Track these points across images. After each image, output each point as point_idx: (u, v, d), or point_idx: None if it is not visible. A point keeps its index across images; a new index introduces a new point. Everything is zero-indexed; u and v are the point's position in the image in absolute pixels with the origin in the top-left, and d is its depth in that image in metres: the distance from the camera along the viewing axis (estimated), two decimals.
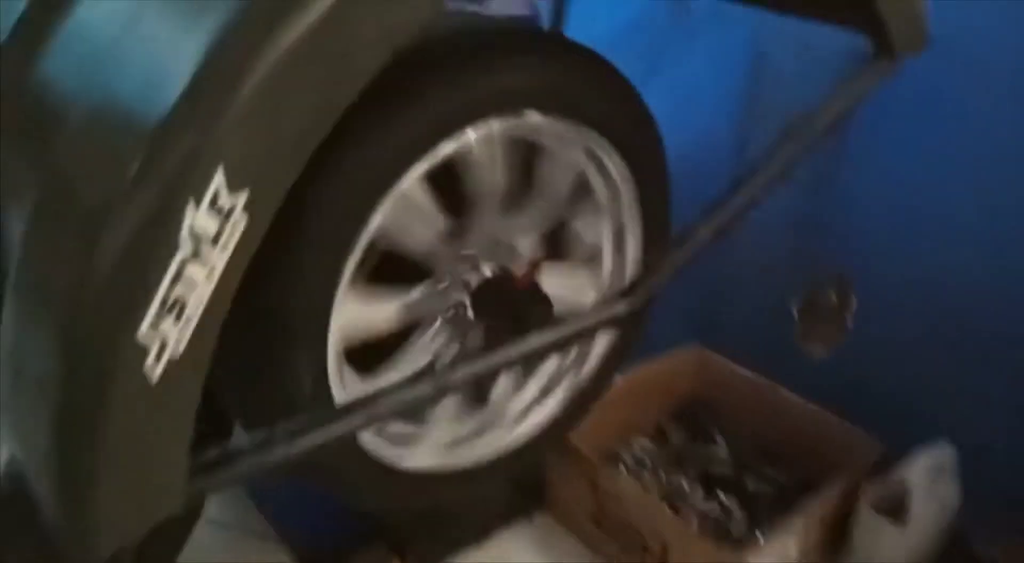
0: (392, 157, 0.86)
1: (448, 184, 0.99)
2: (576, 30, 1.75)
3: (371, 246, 0.92)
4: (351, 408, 0.87)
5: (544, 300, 1.08)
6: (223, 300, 0.57)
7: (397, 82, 0.87)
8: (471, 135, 0.92)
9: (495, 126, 0.95)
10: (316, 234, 0.86)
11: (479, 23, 1.21)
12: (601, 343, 1.24)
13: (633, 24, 1.80)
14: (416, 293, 1.03)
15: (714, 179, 1.75)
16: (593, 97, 1.05)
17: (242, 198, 0.54)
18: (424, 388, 0.85)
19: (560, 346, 0.94)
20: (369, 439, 1.02)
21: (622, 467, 1.74)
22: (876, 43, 1.04)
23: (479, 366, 0.83)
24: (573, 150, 1.08)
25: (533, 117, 0.99)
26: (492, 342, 1.02)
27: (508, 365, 0.86)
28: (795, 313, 1.51)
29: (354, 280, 0.91)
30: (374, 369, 1.02)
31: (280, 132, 0.54)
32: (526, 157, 1.09)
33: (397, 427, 1.05)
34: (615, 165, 1.12)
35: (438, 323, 1.08)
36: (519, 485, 1.67)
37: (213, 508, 1.60)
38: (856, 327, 1.56)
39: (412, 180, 0.89)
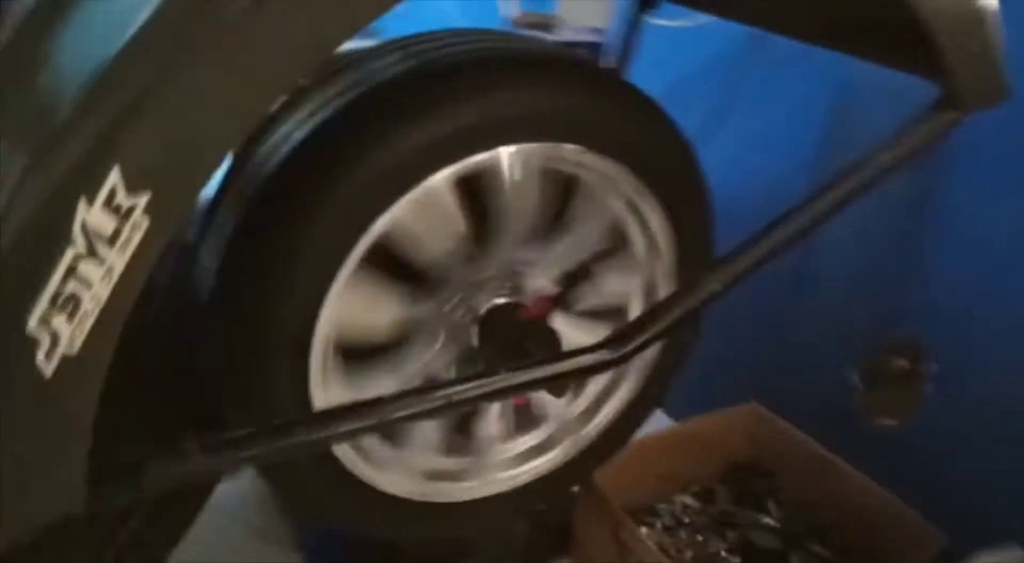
0: (404, 162, 0.84)
1: (476, 209, 0.97)
2: (648, 65, 1.71)
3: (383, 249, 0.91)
4: (321, 419, 0.85)
5: (550, 336, 1.03)
6: (123, 301, 0.56)
7: (427, 88, 0.88)
8: (501, 154, 0.89)
9: (525, 151, 0.92)
10: (308, 241, 0.85)
11: (531, 47, 1.18)
12: (615, 400, 1.18)
13: (709, 64, 1.72)
14: (419, 308, 1.00)
15: None
16: (638, 142, 1.00)
17: (143, 200, 0.53)
18: (388, 411, 0.81)
19: (536, 388, 0.89)
20: (345, 453, 0.99)
21: (659, 524, 1.65)
22: (943, 91, 0.94)
23: (434, 400, 0.78)
24: (612, 196, 1.03)
25: (568, 148, 0.95)
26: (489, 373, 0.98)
27: (478, 400, 0.81)
28: (856, 379, 1.38)
29: (358, 281, 0.90)
30: (364, 368, 1.00)
31: (186, 137, 0.53)
32: (564, 194, 1.05)
33: (375, 445, 1.02)
34: (657, 222, 1.07)
35: (439, 342, 1.04)
36: (544, 527, 1.61)
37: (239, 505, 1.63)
38: (929, 408, 1.41)
39: (435, 186, 0.87)
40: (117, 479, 0.64)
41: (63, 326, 0.54)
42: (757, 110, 1.64)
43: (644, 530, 1.62)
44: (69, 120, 0.50)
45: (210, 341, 0.92)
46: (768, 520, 1.66)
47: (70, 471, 0.60)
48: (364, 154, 0.84)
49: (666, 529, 1.63)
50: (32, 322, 0.53)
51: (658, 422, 2.10)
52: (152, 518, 1.20)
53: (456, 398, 0.80)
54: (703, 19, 1.54)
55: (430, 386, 0.83)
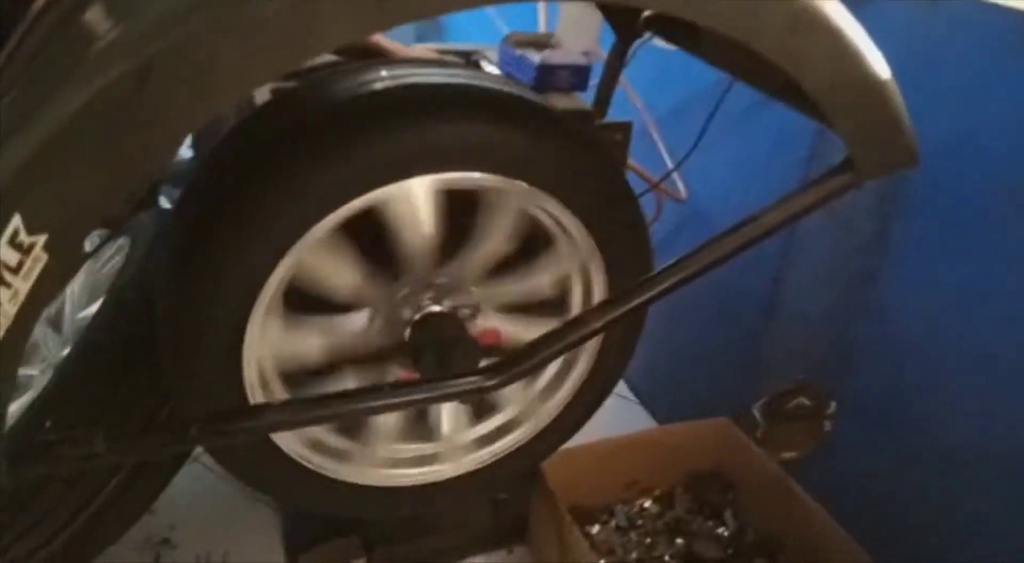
0: (300, 207, 0.91)
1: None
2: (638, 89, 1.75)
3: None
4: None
5: (471, 348, 1.11)
6: (28, 319, 0.68)
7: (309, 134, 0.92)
8: (389, 190, 0.95)
9: (416, 184, 0.97)
10: (226, 269, 0.93)
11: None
12: (571, 380, 1.26)
13: (694, 93, 1.76)
14: (344, 329, 1.09)
15: (764, 261, 1.70)
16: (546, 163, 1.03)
17: (41, 239, 0.65)
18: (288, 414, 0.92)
19: (415, 405, 0.99)
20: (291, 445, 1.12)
21: (613, 523, 1.73)
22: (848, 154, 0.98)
23: (319, 409, 0.89)
24: (520, 205, 1.08)
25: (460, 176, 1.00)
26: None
27: (361, 414, 0.92)
28: (759, 416, 1.43)
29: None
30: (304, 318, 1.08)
31: (75, 190, 0.65)
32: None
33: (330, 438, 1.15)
34: (574, 227, 1.11)
35: (377, 325, 1.12)
36: (504, 515, 1.71)
37: None
38: (890, 448, 1.45)
39: (325, 230, 0.94)
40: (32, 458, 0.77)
41: None
42: (742, 134, 1.69)
43: (596, 528, 1.71)
44: None
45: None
46: (722, 530, 1.73)
47: None
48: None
49: (618, 529, 1.72)
50: None
51: (645, 424, 2.19)
52: (128, 483, 1.37)
53: (336, 411, 0.91)
54: None
55: (315, 397, 0.94)
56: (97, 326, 1.24)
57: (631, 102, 1.82)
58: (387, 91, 0.96)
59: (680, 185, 1.89)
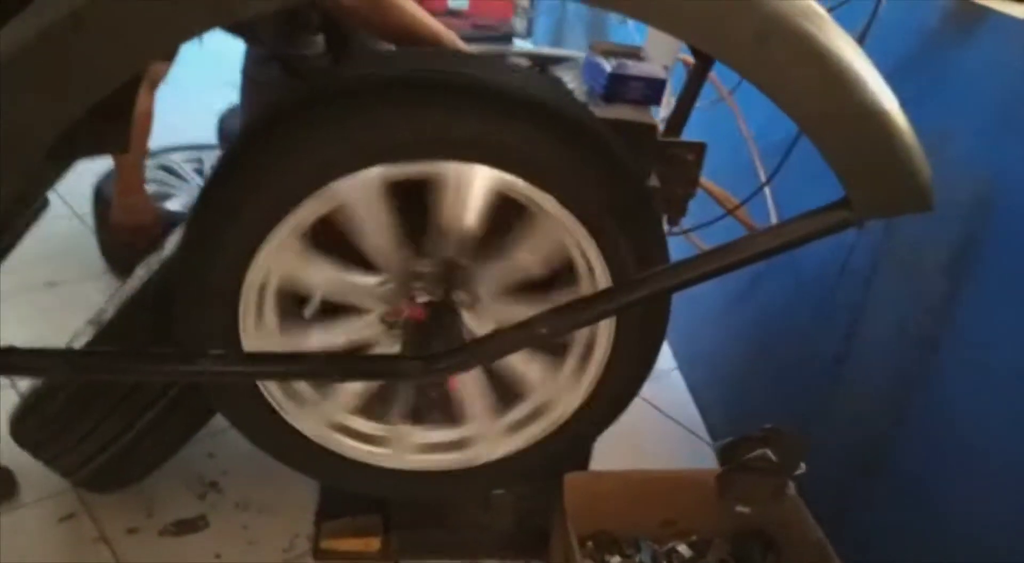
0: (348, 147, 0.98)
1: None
2: None
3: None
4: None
5: (454, 341, 1.10)
6: None
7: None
8: (446, 167, 1.00)
9: (477, 170, 1.01)
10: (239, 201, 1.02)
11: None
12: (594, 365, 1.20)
13: None
14: (355, 278, 1.12)
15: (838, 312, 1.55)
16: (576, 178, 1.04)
17: None
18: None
19: (348, 378, 1.02)
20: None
21: (637, 558, 1.66)
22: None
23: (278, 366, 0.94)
24: (560, 232, 1.08)
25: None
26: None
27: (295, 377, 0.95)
28: (716, 453, 1.30)
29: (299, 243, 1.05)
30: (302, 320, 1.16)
31: (18, 115, 0.74)
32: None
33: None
34: (597, 263, 1.09)
35: (372, 316, 1.15)
36: (526, 525, 1.69)
37: None
38: (928, 530, 1.29)
39: (372, 179, 1.00)
40: None
41: None
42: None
43: (616, 559, 1.64)
44: None
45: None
46: None
47: None
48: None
49: None
50: None
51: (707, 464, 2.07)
52: (168, 412, 1.50)
53: (265, 370, 0.95)
54: None
55: (251, 354, 0.99)
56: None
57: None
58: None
59: (773, 217, 1.77)
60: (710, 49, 0.80)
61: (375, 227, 1.05)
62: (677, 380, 2.35)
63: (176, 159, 2.59)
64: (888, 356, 1.40)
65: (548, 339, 0.95)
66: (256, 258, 1.05)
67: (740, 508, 1.37)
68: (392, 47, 1.37)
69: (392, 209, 1.04)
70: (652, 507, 1.70)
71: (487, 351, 0.93)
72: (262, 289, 1.09)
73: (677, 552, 1.68)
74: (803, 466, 1.27)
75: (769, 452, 1.28)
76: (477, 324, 1.14)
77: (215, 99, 2.79)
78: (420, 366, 0.93)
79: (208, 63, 2.50)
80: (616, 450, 1.63)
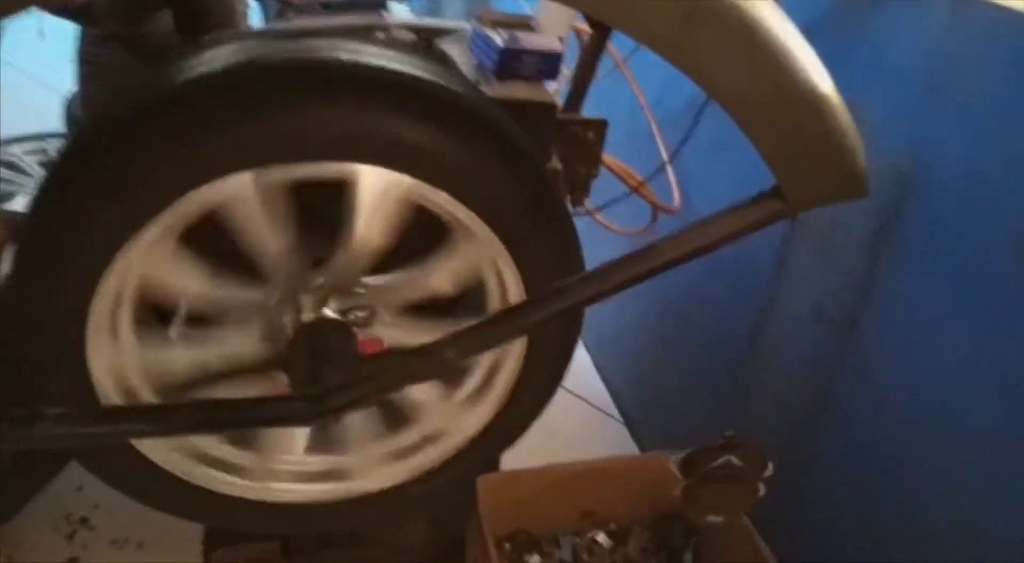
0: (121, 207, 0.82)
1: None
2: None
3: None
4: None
5: (348, 360, 0.97)
6: None
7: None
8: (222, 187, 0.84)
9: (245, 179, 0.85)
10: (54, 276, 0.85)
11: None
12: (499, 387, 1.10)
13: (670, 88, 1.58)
14: (216, 341, 0.98)
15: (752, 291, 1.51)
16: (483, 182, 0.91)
17: None
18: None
19: (236, 427, 0.87)
20: None
21: (556, 555, 1.59)
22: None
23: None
24: (469, 238, 0.96)
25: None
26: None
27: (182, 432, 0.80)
28: (675, 469, 1.25)
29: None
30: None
31: None
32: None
33: None
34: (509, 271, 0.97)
35: (254, 334, 1.00)
36: (440, 536, 1.59)
37: None
38: (856, 508, 1.26)
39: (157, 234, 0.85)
40: None
41: None
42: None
43: (536, 558, 1.57)
44: None
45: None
46: None
47: None
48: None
49: None
50: None
51: (627, 447, 2.03)
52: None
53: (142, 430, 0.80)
54: None
55: (123, 408, 0.83)
56: None
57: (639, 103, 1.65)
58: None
59: (676, 194, 1.70)
60: (631, 31, 0.69)
61: (261, 231, 0.90)
62: (583, 358, 2.29)
63: (17, 151, 2.30)
64: (804, 335, 1.37)
65: (456, 363, 0.83)
66: (110, 267, 0.87)
67: (712, 518, 1.31)
68: None
69: (285, 212, 0.89)
70: (570, 500, 1.63)
71: (388, 383, 0.80)
72: (117, 299, 0.91)
73: (598, 544, 1.62)
74: (771, 467, 1.22)
75: (733, 458, 1.22)
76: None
77: (60, 79, 2.48)
78: (306, 409, 0.80)
79: (51, 39, 2.20)
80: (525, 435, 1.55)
